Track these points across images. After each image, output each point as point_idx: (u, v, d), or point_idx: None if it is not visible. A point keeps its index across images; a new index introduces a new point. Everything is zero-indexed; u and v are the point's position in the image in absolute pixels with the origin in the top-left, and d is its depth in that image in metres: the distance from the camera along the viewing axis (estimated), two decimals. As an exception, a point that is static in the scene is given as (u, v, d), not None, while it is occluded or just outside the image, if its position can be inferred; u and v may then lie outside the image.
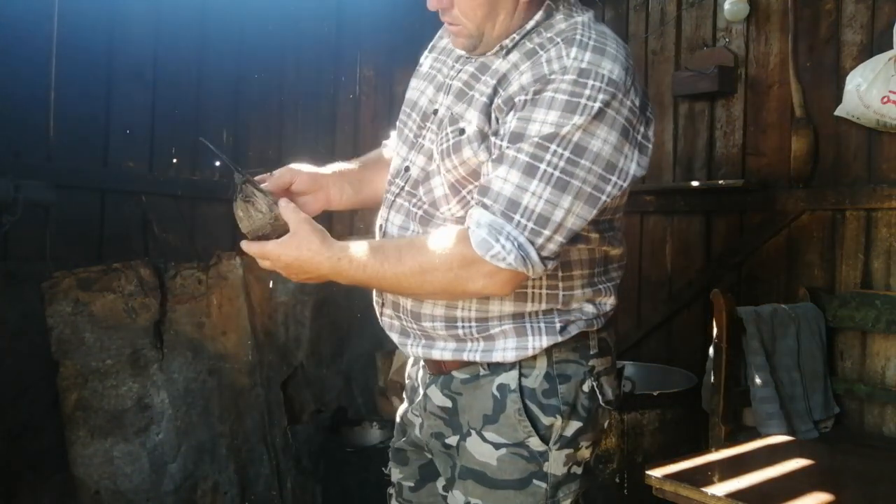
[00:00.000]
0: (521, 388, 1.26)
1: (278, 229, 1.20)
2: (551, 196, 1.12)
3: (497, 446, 1.27)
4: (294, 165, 1.41)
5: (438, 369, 1.35)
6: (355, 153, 3.63)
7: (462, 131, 1.22)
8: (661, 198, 3.24)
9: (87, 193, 2.58)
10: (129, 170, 2.69)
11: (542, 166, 1.12)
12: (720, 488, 1.86)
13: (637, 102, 1.17)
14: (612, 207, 1.27)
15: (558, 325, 1.27)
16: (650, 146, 1.21)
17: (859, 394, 2.54)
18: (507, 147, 1.15)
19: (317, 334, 3.14)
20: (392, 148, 1.48)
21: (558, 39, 1.19)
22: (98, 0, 2.56)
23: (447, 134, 1.24)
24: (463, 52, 1.30)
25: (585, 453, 1.32)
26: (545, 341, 1.26)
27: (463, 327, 1.27)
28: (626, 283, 3.35)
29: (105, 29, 2.60)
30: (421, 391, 1.40)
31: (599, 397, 1.32)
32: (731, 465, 2.09)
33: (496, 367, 1.28)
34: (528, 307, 1.26)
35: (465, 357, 1.29)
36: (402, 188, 1.32)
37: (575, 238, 1.21)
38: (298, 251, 1.17)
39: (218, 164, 2.92)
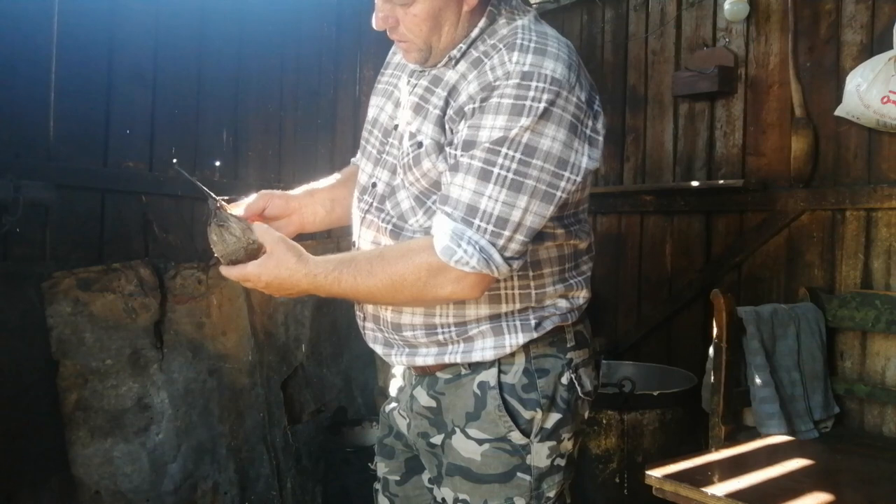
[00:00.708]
0: (500, 384, 1.30)
1: (252, 253, 1.22)
2: (507, 198, 1.16)
3: (480, 442, 1.31)
4: (265, 192, 1.46)
5: (423, 372, 1.39)
6: (355, 153, 3.64)
7: (420, 144, 1.27)
8: (661, 198, 3.24)
9: (87, 193, 2.57)
10: (129, 170, 2.69)
11: (496, 170, 1.16)
12: (720, 488, 1.87)
13: (583, 97, 1.21)
14: (574, 201, 1.31)
15: (533, 322, 1.31)
16: (600, 139, 1.24)
17: (859, 394, 2.54)
18: (461, 155, 1.19)
19: (317, 334, 3.14)
20: (357, 162, 1.52)
21: (500, 45, 1.23)
22: (98, 0, 2.56)
23: (407, 148, 1.29)
24: (416, 67, 1.35)
25: (568, 445, 1.35)
26: (521, 338, 1.30)
27: (443, 333, 1.31)
28: (626, 283, 3.38)
29: (105, 29, 2.60)
30: (408, 392, 1.44)
31: (578, 389, 1.35)
32: (731, 465, 2.09)
33: (476, 366, 1.32)
34: (503, 308, 1.30)
35: (447, 359, 1.33)
36: (371, 204, 1.37)
37: (541, 236, 1.26)
38: (277, 270, 1.20)
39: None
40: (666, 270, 3.25)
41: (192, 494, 2.62)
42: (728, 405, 2.36)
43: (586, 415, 1.40)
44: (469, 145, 1.18)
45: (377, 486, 1.56)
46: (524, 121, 1.15)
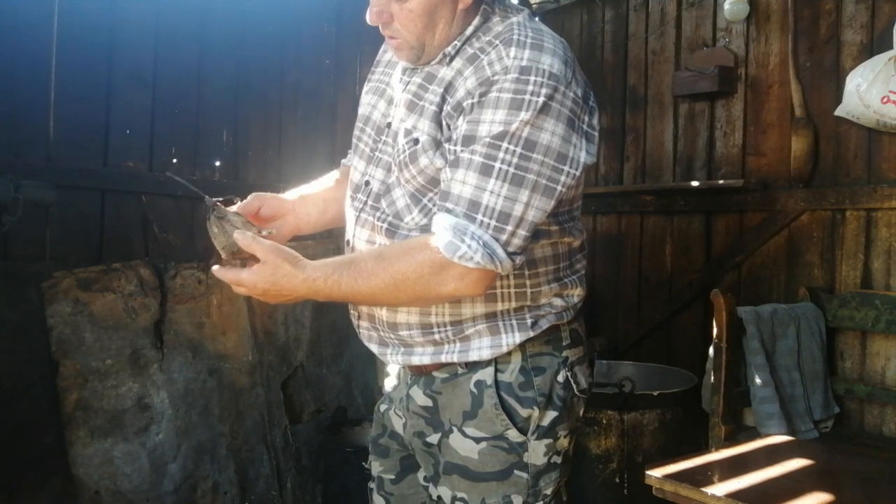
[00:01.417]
0: (497, 382, 1.31)
1: (240, 255, 1.21)
2: (509, 192, 1.16)
3: (477, 440, 1.31)
4: (259, 193, 1.45)
5: (420, 371, 1.39)
6: (355, 153, 3.59)
7: (416, 141, 1.26)
8: (661, 198, 3.24)
9: (87, 193, 2.57)
10: (129, 170, 2.69)
11: (497, 164, 1.16)
12: (720, 488, 1.87)
13: (579, 93, 1.22)
14: (569, 198, 1.32)
15: (529, 321, 1.31)
16: (596, 134, 1.26)
17: (859, 394, 2.54)
18: (462, 150, 1.19)
19: (317, 334, 3.14)
20: (348, 163, 1.52)
21: (497, 42, 1.24)
22: (98, 0, 2.56)
23: (402, 146, 1.28)
24: (408, 64, 1.34)
25: (564, 442, 1.36)
26: (518, 337, 1.30)
27: (439, 332, 1.31)
28: (626, 283, 3.38)
29: (105, 29, 2.60)
30: (403, 391, 1.44)
31: (574, 387, 1.36)
32: (731, 465, 2.09)
33: (473, 366, 1.32)
34: (499, 306, 1.30)
35: (444, 359, 1.33)
36: (365, 202, 1.36)
37: (537, 234, 1.25)
38: (274, 277, 1.17)
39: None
40: (666, 270, 3.25)
41: (192, 494, 2.62)
42: (728, 405, 2.36)
43: (581, 412, 1.41)
44: (469, 140, 1.18)
45: (372, 485, 1.56)
46: (524, 115, 1.16)
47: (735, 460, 2.14)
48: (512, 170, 1.16)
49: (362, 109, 1.46)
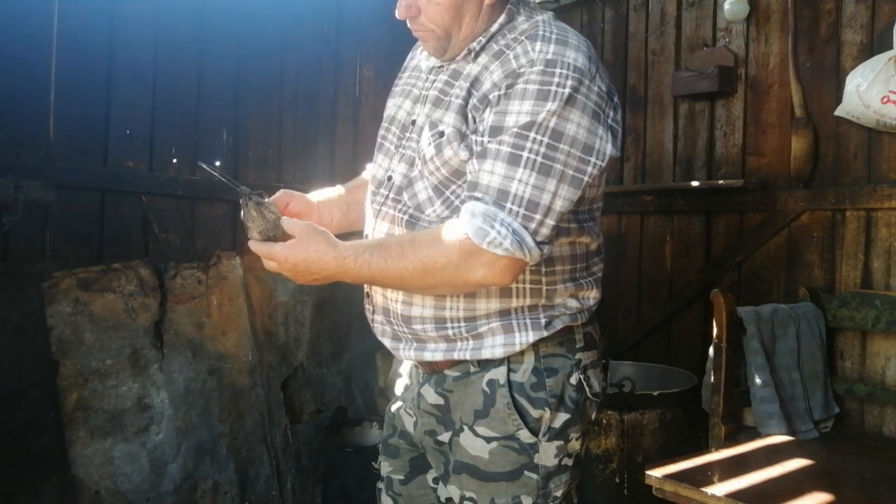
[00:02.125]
0: (509, 382, 1.31)
1: (285, 235, 1.24)
2: (537, 181, 1.17)
3: (488, 440, 1.31)
4: (288, 190, 1.47)
5: (431, 369, 1.39)
6: (355, 153, 3.65)
7: (442, 134, 1.28)
8: (661, 198, 3.24)
9: (87, 193, 2.58)
10: (129, 170, 2.69)
11: (525, 154, 1.17)
12: (720, 488, 1.87)
13: (604, 88, 1.24)
14: (590, 197, 1.33)
15: (543, 321, 1.31)
16: (620, 130, 1.27)
17: (859, 394, 2.54)
18: (489, 141, 1.20)
19: (317, 334, 3.14)
20: (371, 167, 1.53)
21: (522, 38, 1.26)
22: (98, 0, 2.56)
23: (428, 138, 1.30)
24: (435, 64, 1.37)
25: (576, 445, 1.36)
26: (532, 336, 1.30)
27: (452, 328, 1.31)
28: (626, 283, 3.38)
29: (105, 29, 2.60)
30: (415, 390, 1.43)
31: (587, 389, 1.35)
32: (731, 465, 2.09)
33: (486, 364, 1.32)
34: (514, 303, 1.30)
35: (456, 356, 1.33)
36: (387, 196, 1.37)
37: (556, 231, 1.25)
38: (306, 252, 1.20)
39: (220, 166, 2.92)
40: (666, 270, 3.25)
41: (192, 494, 2.62)
42: (728, 405, 2.36)
43: (594, 416, 1.41)
44: (496, 131, 1.20)
45: (380, 485, 1.55)
46: (550, 105, 1.17)
47: (735, 460, 2.13)
48: (540, 159, 1.17)
49: (388, 111, 1.48)
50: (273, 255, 1.22)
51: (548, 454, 1.31)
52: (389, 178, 1.38)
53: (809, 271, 2.75)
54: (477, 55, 1.31)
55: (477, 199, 1.19)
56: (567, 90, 1.18)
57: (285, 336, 3.02)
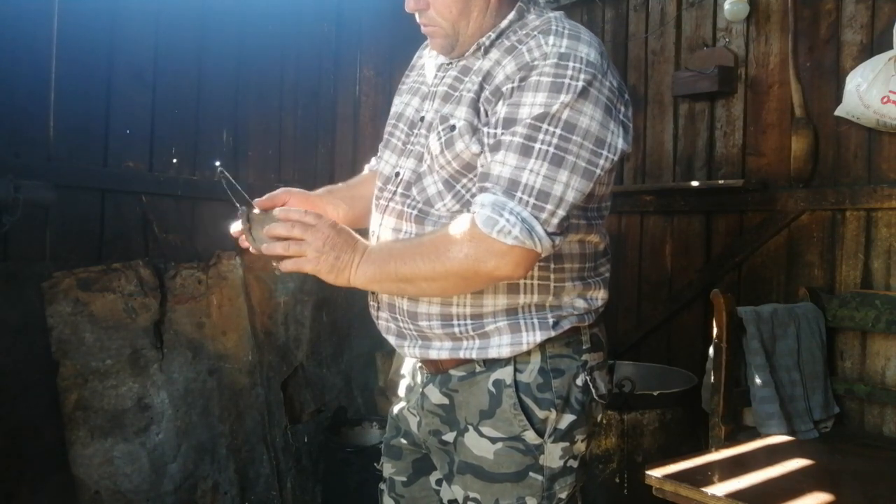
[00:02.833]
0: (516, 383, 1.30)
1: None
2: (549, 172, 1.17)
3: (494, 440, 1.30)
4: (286, 188, 1.47)
5: (436, 368, 1.37)
6: (355, 153, 3.64)
7: (453, 127, 1.27)
8: (661, 198, 3.24)
9: (87, 193, 2.58)
10: (129, 170, 2.69)
11: (537, 145, 1.17)
12: (720, 488, 1.87)
13: (615, 84, 1.25)
14: (599, 195, 1.33)
15: (551, 321, 1.30)
16: (631, 126, 1.28)
17: (859, 394, 2.54)
18: (502, 133, 1.20)
19: (317, 334, 3.14)
20: (376, 162, 1.53)
21: (535, 33, 1.27)
22: (98, 0, 2.56)
23: (439, 133, 1.29)
24: (443, 61, 1.37)
25: (581, 447, 1.35)
26: (539, 336, 1.29)
27: (458, 325, 1.30)
28: (626, 283, 3.38)
29: (105, 29, 2.60)
30: (418, 390, 1.42)
31: (593, 391, 1.35)
32: (731, 465, 2.09)
33: (492, 364, 1.31)
34: (521, 299, 1.29)
35: (462, 355, 1.32)
36: (395, 192, 1.36)
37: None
38: (335, 230, 1.22)
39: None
40: (666, 270, 3.25)
41: (192, 494, 2.62)
42: (728, 405, 2.36)
43: (599, 417, 1.40)
44: (509, 123, 1.20)
45: (383, 486, 1.55)
46: (564, 97, 1.17)
47: (735, 460, 2.13)
48: (552, 150, 1.17)
49: (395, 108, 1.47)
50: (304, 220, 1.21)
51: (553, 455, 1.31)
52: (397, 174, 1.37)
53: (809, 271, 2.75)
54: (487, 51, 1.30)
55: (487, 189, 1.19)
56: (580, 83, 1.18)
57: (285, 336, 3.02)
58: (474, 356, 1.31)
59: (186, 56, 2.83)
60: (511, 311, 1.29)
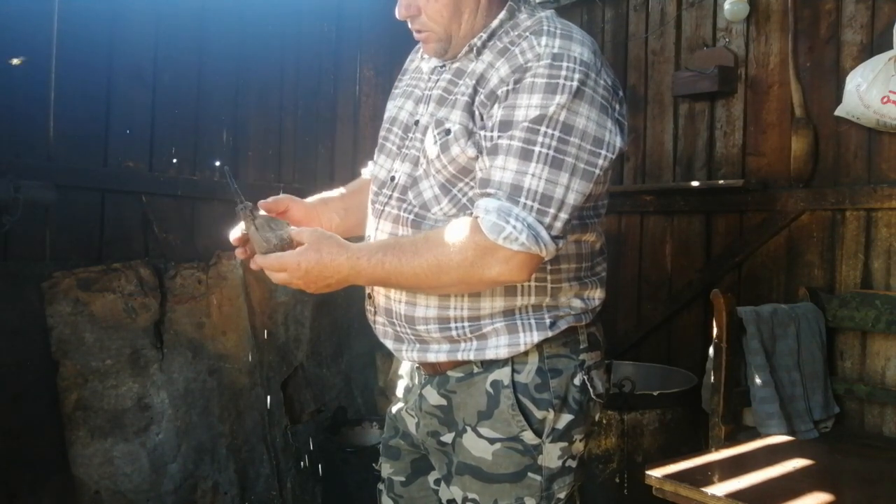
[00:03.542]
0: (513, 383, 1.30)
1: (287, 248, 1.24)
2: (550, 175, 1.17)
3: (492, 441, 1.30)
4: (287, 195, 1.46)
5: (434, 370, 1.38)
6: (355, 153, 3.64)
7: (448, 131, 1.27)
8: (661, 198, 3.23)
9: (87, 193, 2.58)
10: (129, 170, 2.69)
11: (536, 148, 1.17)
12: (720, 488, 1.87)
13: (609, 82, 1.24)
14: (596, 194, 1.32)
15: (548, 321, 1.30)
16: (626, 123, 1.28)
17: (859, 394, 2.54)
18: (499, 136, 1.20)
19: (317, 334, 3.14)
20: (370, 169, 1.53)
21: (527, 34, 1.26)
22: (98, 0, 2.56)
23: (434, 136, 1.29)
24: (436, 64, 1.37)
25: (579, 446, 1.35)
26: (536, 337, 1.29)
27: (456, 328, 1.30)
28: (626, 283, 3.38)
29: (105, 29, 2.60)
30: (417, 392, 1.42)
31: (591, 390, 1.35)
32: (731, 465, 2.09)
33: (489, 365, 1.31)
34: (518, 301, 1.29)
35: (460, 357, 1.32)
36: (391, 196, 1.36)
37: None
38: (318, 256, 1.19)
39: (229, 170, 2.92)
40: (666, 270, 3.25)
41: (192, 494, 2.62)
42: (728, 405, 2.36)
43: (597, 417, 1.41)
44: (506, 126, 1.19)
45: (381, 486, 1.55)
46: (559, 98, 1.17)
47: (735, 460, 2.13)
48: (552, 153, 1.17)
49: (389, 112, 1.47)
50: (284, 264, 1.21)
51: (551, 455, 1.31)
52: (392, 178, 1.37)
53: (809, 271, 2.75)
54: (479, 52, 1.30)
55: (490, 195, 1.18)
56: (575, 83, 1.18)
57: (285, 336, 3.02)
58: (472, 357, 1.31)
59: (186, 56, 2.83)
60: (508, 313, 1.29)
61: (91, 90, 2.57)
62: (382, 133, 1.47)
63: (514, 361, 1.30)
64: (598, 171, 1.21)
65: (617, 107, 1.25)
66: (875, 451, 2.31)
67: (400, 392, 1.53)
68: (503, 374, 1.30)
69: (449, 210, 1.28)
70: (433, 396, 1.38)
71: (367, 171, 1.60)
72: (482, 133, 1.24)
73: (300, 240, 1.22)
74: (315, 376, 3.12)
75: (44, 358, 2.40)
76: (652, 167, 3.32)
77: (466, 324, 1.30)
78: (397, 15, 1.33)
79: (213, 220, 2.89)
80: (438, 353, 1.33)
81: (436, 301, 1.30)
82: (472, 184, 1.26)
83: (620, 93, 1.28)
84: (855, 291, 2.59)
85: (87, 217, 2.58)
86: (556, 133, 1.17)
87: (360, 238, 1.43)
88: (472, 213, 1.21)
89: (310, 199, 1.51)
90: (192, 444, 2.64)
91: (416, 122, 1.37)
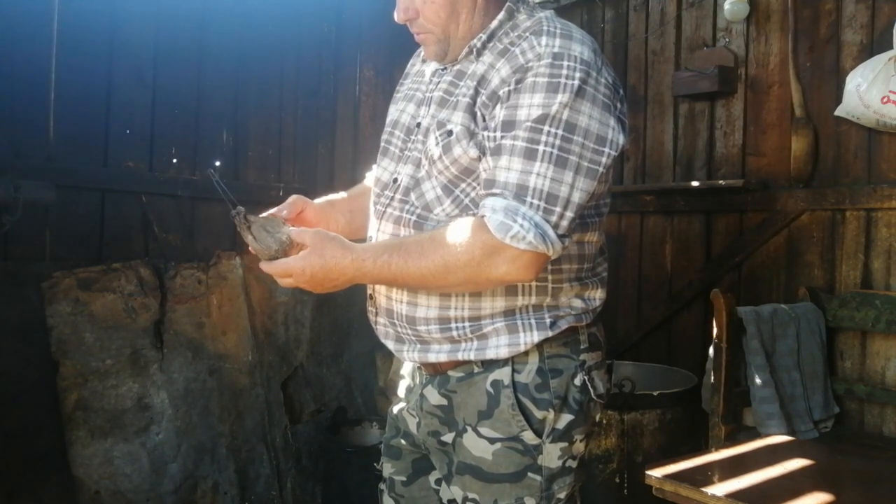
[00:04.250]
0: (514, 383, 1.30)
1: (287, 248, 1.24)
2: (555, 174, 1.17)
3: (492, 441, 1.30)
4: (300, 197, 1.47)
5: (435, 370, 1.38)
6: (355, 153, 3.64)
7: (450, 133, 1.28)
8: (661, 198, 3.23)
9: (87, 193, 2.58)
10: (129, 170, 2.69)
11: (541, 147, 1.18)
12: (720, 488, 1.87)
13: (610, 80, 1.25)
14: (597, 194, 1.32)
15: (548, 321, 1.31)
16: (627, 121, 1.28)
17: (859, 394, 2.54)
18: (502, 137, 1.20)
19: (317, 334, 3.14)
20: (373, 173, 1.53)
21: (527, 34, 1.27)
22: (98, 0, 2.56)
23: (436, 138, 1.29)
24: (438, 67, 1.38)
25: (580, 447, 1.35)
26: (536, 336, 1.29)
27: (457, 328, 1.30)
28: (626, 283, 3.38)
29: (105, 29, 2.60)
30: (417, 391, 1.43)
31: (591, 391, 1.35)
32: (731, 465, 2.09)
33: (490, 364, 1.32)
34: (519, 301, 1.29)
35: (460, 356, 1.32)
36: (393, 198, 1.36)
37: None
38: (322, 259, 1.20)
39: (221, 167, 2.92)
40: (666, 270, 3.25)
41: (192, 494, 2.62)
42: (728, 405, 2.36)
43: (598, 417, 1.41)
44: (509, 126, 1.20)
45: (382, 486, 1.55)
46: (562, 97, 1.18)
47: (735, 460, 2.13)
48: (556, 152, 1.17)
49: (391, 115, 1.48)
50: (289, 270, 1.21)
51: (552, 456, 1.31)
52: (395, 180, 1.37)
53: (809, 271, 2.75)
54: (480, 53, 1.31)
55: (496, 195, 1.18)
56: (576, 82, 1.18)
57: (285, 336, 3.02)
58: (472, 357, 1.31)
59: (186, 56, 2.83)
60: (509, 313, 1.29)
61: (91, 90, 2.57)
62: (385, 136, 1.47)
63: (514, 361, 1.30)
64: (601, 169, 1.21)
65: (618, 105, 1.25)
66: (875, 451, 2.31)
67: (401, 392, 1.53)
68: (503, 374, 1.30)
69: (451, 211, 1.29)
70: (434, 396, 1.38)
71: (369, 176, 1.60)
72: (485, 134, 1.24)
73: (302, 241, 1.22)
74: (315, 376, 3.12)
75: (44, 358, 2.40)
76: (652, 167, 3.32)
77: (467, 324, 1.30)
78: (396, 18, 1.34)
79: (213, 220, 2.89)
80: (439, 354, 1.33)
81: (437, 301, 1.30)
82: (474, 184, 1.26)
83: (621, 91, 1.28)
84: (855, 291, 2.59)
85: (87, 217, 2.58)
86: (560, 132, 1.17)
87: (363, 240, 1.44)
88: (475, 214, 1.22)
89: (318, 201, 1.52)
90: (192, 444, 2.64)
91: (418, 125, 1.37)
